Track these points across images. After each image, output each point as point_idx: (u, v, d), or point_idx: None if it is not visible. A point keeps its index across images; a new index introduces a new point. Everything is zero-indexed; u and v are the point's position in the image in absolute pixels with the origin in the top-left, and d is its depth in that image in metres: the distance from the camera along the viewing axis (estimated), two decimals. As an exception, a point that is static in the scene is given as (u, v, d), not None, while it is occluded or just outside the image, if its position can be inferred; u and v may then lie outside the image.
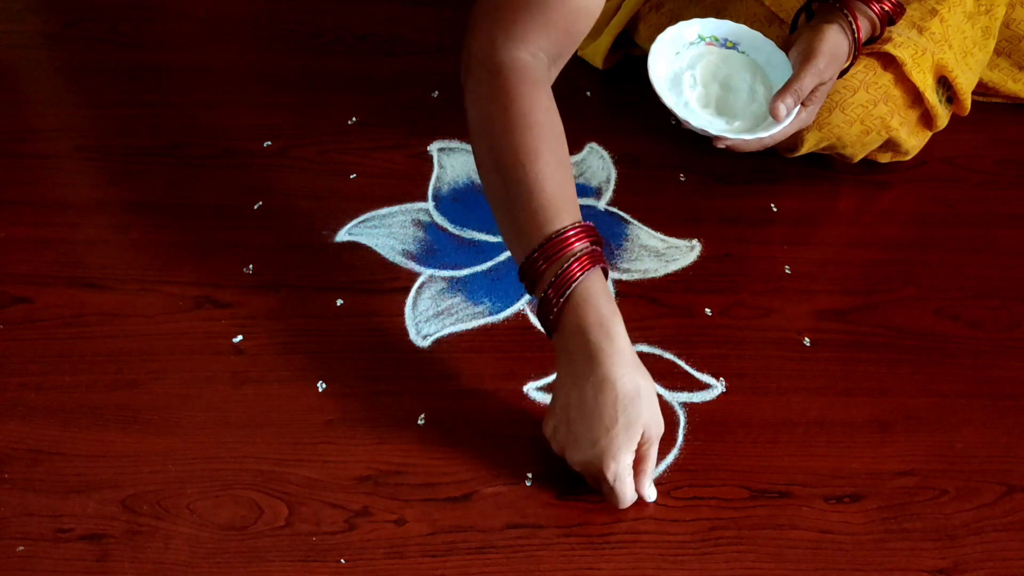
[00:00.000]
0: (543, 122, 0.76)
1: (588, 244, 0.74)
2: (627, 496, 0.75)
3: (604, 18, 1.09)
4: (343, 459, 0.80)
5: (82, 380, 0.84)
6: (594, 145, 1.05)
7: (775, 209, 1.00)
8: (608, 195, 1.01)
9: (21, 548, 0.74)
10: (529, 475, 0.79)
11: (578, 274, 0.73)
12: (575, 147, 1.05)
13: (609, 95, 1.13)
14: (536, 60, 0.79)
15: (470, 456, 0.80)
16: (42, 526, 0.75)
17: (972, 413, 0.85)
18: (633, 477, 0.75)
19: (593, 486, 0.77)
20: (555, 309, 0.73)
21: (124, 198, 0.99)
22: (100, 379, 0.84)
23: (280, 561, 0.74)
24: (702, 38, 0.91)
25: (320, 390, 0.84)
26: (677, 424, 0.83)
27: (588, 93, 1.11)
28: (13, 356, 0.85)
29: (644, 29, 1.07)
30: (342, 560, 0.74)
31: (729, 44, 0.91)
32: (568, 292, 0.72)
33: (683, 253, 0.96)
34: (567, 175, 0.76)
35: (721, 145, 0.88)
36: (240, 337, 0.87)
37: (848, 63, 0.91)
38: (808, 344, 0.89)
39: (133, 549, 0.74)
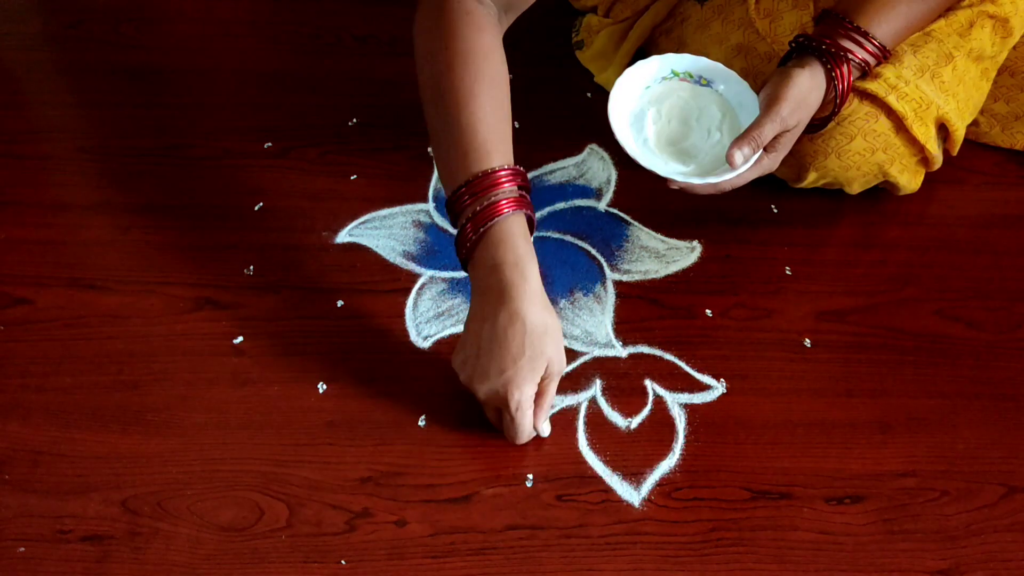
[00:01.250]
0: (481, 65, 0.79)
1: (515, 188, 0.77)
2: (526, 428, 0.78)
3: (614, 42, 1.09)
4: (344, 460, 0.80)
5: (83, 381, 0.84)
6: (595, 146, 1.05)
7: (776, 210, 1.00)
8: (608, 196, 1.01)
9: (22, 549, 0.74)
10: (530, 476, 0.79)
11: (496, 215, 0.76)
12: (575, 149, 1.05)
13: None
14: (484, 7, 0.81)
15: (470, 457, 0.80)
16: (43, 527, 0.75)
17: (973, 414, 0.85)
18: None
19: (493, 421, 0.80)
20: (468, 244, 0.77)
21: (125, 199, 0.99)
22: (101, 380, 0.84)
23: (280, 562, 0.74)
24: (676, 73, 0.89)
25: (321, 391, 0.84)
26: (675, 429, 0.83)
27: (588, 94, 1.11)
28: (14, 357, 0.85)
29: (655, 54, 1.06)
30: (343, 561, 0.74)
31: (703, 81, 0.89)
32: (485, 229, 0.76)
33: (684, 254, 0.96)
34: (503, 118, 0.79)
35: (674, 187, 0.85)
36: (241, 338, 0.87)
37: (833, 108, 0.87)
38: (809, 345, 0.89)
39: (133, 550, 0.74)
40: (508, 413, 0.77)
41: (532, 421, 0.79)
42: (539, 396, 0.79)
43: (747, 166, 0.84)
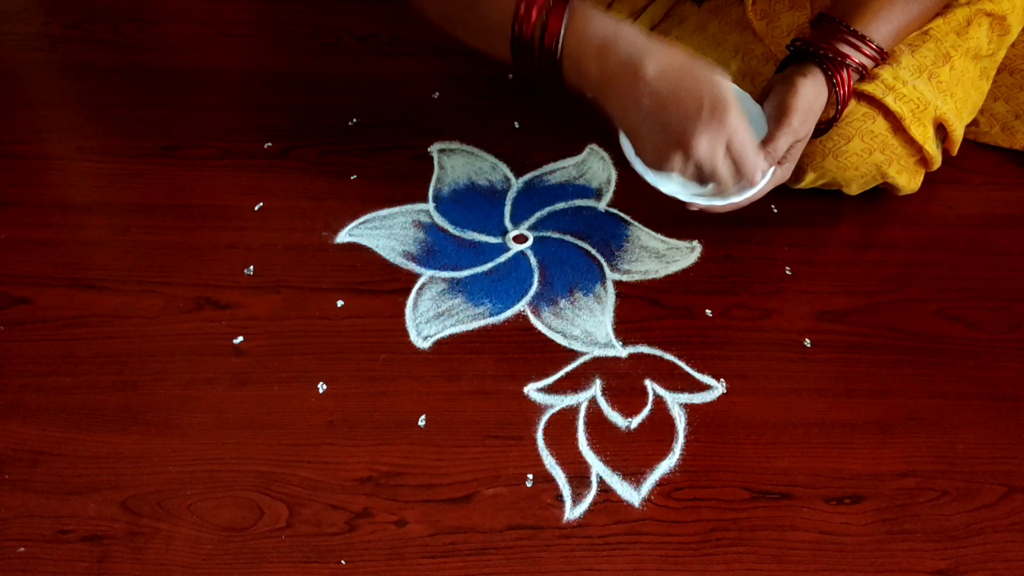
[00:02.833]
0: None
1: None
2: (754, 163, 0.75)
3: None
4: (343, 460, 0.80)
5: (83, 381, 0.84)
6: (595, 147, 1.05)
7: (776, 210, 1.00)
8: (608, 196, 1.01)
9: (22, 549, 0.74)
10: (530, 476, 0.79)
11: (562, 9, 0.72)
12: (575, 149, 1.05)
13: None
14: None
15: (471, 457, 0.80)
16: (43, 527, 0.75)
17: (973, 414, 0.85)
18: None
19: (717, 182, 0.76)
20: (556, 51, 0.72)
21: (125, 199, 0.99)
22: (101, 380, 0.84)
23: (280, 562, 0.74)
24: None
25: (320, 391, 0.84)
26: (675, 429, 0.83)
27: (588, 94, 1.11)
28: (13, 357, 0.85)
29: None
30: (342, 561, 0.74)
31: None
32: (564, 28, 0.72)
33: (684, 254, 0.96)
34: None
35: (694, 208, 0.85)
36: (240, 338, 0.87)
37: (834, 114, 0.87)
38: (809, 345, 0.89)
39: (133, 550, 0.74)
40: (734, 139, 0.73)
41: (755, 155, 0.74)
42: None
43: (765, 181, 0.83)
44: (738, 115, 0.73)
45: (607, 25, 0.73)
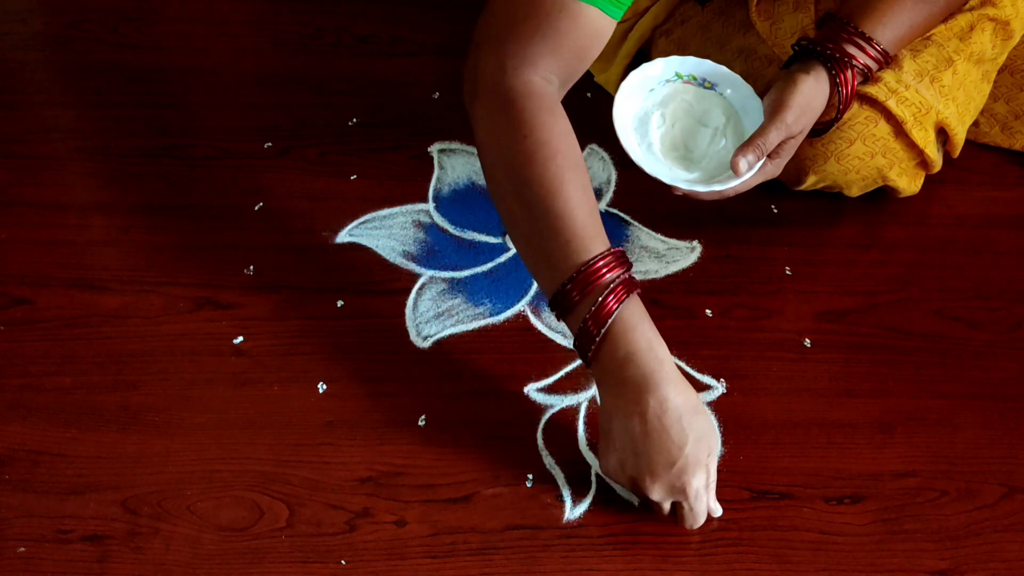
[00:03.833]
0: (564, 151, 0.75)
1: (622, 272, 0.73)
2: (703, 514, 0.74)
3: (614, 43, 1.08)
4: (344, 460, 0.80)
5: (83, 381, 0.84)
6: (595, 147, 1.05)
7: (776, 210, 1.00)
8: (608, 196, 1.01)
9: (22, 549, 0.74)
10: (530, 476, 0.79)
11: (615, 305, 0.72)
12: (575, 148, 1.05)
13: (609, 97, 1.12)
14: (549, 84, 0.77)
15: (471, 457, 0.80)
16: (43, 527, 0.75)
17: (973, 414, 0.85)
18: None
19: (663, 513, 0.75)
20: (596, 339, 0.72)
21: (125, 199, 0.99)
22: (101, 380, 0.84)
23: (280, 562, 0.74)
24: (679, 76, 0.88)
25: (321, 391, 0.84)
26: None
27: (588, 95, 1.11)
28: (14, 357, 0.85)
29: (656, 55, 1.06)
30: (343, 561, 0.74)
31: (707, 84, 0.88)
32: (609, 322, 0.72)
33: (684, 254, 0.96)
34: (593, 201, 0.76)
35: (678, 192, 0.85)
36: (241, 338, 0.87)
37: (835, 114, 0.86)
38: (809, 345, 0.89)
39: (134, 550, 0.74)
40: (687, 502, 0.73)
41: (704, 512, 0.75)
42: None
43: (751, 173, 0.83)
44: (703, 478, 0.73)
45: (641, 337, 0.73)
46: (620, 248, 0.75)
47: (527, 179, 0.74)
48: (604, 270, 0.73)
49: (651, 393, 0.71)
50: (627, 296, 0.73)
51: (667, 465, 0.72)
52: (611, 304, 0.72)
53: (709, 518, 0.76)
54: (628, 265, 0.74)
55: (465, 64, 0.79)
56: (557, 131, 0.76)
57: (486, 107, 0.77)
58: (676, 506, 0.75)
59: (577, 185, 0.75)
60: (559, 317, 0.76)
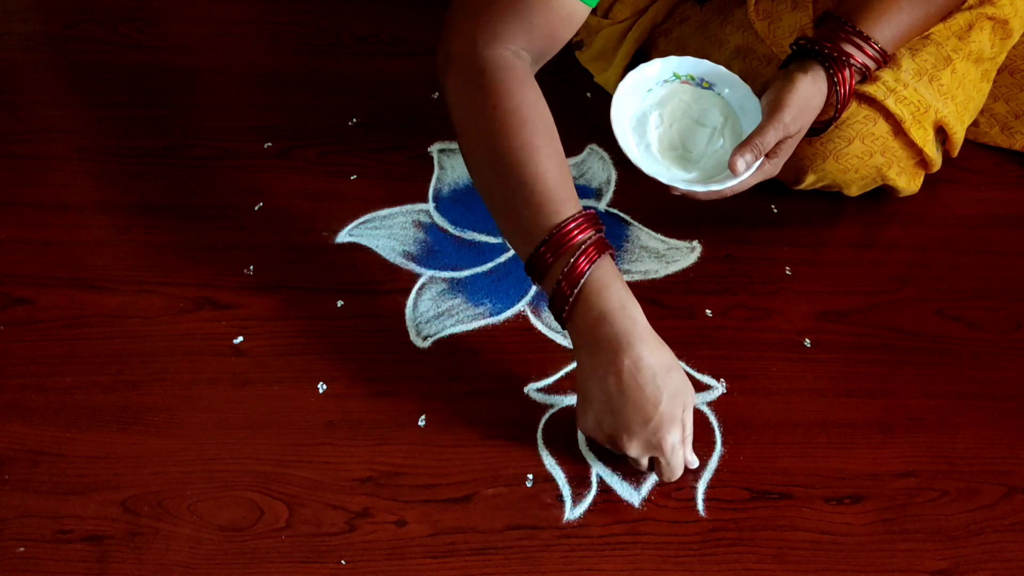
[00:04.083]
0: (534, 118, 0.77)
1: (593, 233, 0.75)
2: (680, 467, 0.76)
3: (613, 43, 1.08)
4: (343, 460, 0.80)
5: (83, 381, 0.84)
6: (594, 147, 1.05)
7: (776, 210, 1.00)
8: (608, 196, 1.01)
9: (22, 549, 0.74)
10: (530, 476, 0.79)
11: (586, 266, 0.74)
12: (575, 149, 1.05)
13: (609, 97, 1.12)
14: (519, 58, 0.79)
15: (471, 457, 0.80)
16: (43, 527, 0.75)
17: (973, 414, 0.85)
18: None
19: (640, 467, 0.77)
20: (570, 299, 0.74)
21: (125, 199, 0.99)
22: (101, 380, 0.84)
23: (280, 562, 0.74)
24: (677, 76, 0.88)
25: (321, 391, 0.84)
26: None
27: (588, 95, 1.11)
28: (14, 357, 0.85)
29: (655, 55, 1.06)
30: (342, 561, 0.74)
31: (705, 84, 0.88)
32: (582, 282, 0.74)
33: (683, 254, 0.96)
34: (564, 167, 0.77)
35: (677, 192, 0.85)
36: (240, 338, 0.87)
37: (834, 114, 0.86)
38: (809, 345, 0.89)
39: (133, 550, 0.74)
40: (663, 457, 0.75)
41: (680, 467, 0.77)
42: (681, 430, 0.76)
43: (749, 173, 0.83)
44: (678, 434, 0.75)
45: (614, 296, 0.74)
46: (591, 210, 0.77)
47: (499, 148, 0.76)
48: (576, 232, 0.74)
49: (625, 352, 0.73)
50: (599, 257, 0.75)
51: (643, 423, 0.74)
52: (583, 264, 0.74)
53: (687, 470, 0.78)
54: (600, 227, 0.76)
55: (439, 42, 0.81)
56: (528, 101, 0.77)
57: (458, 79, 0.79)
58: (654, 461, 0.77)
59: (548, 151, 0.76)
60: (535, 281, 0.77)
